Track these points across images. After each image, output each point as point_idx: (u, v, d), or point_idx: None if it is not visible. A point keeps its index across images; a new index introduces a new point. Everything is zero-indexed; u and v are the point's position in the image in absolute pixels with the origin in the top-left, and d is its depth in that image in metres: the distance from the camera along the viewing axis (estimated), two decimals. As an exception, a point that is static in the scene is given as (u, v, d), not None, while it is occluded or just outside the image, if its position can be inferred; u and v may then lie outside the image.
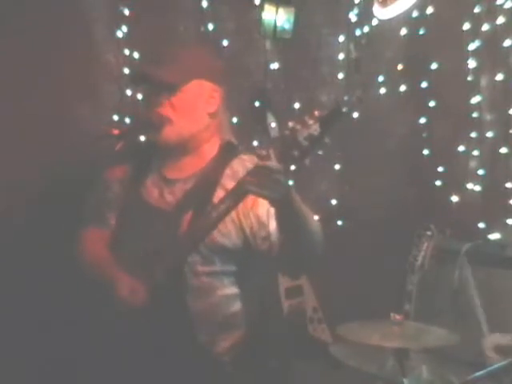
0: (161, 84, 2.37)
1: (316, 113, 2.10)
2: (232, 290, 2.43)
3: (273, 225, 2.34)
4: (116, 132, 2.37)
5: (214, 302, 2.39)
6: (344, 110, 2.09)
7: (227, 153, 2.49)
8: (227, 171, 2.44)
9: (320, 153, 2.13)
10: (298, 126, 2.09)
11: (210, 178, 2.42)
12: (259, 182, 2.10)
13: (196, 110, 2.44)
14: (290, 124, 2.11)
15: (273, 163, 2.09)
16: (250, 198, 2.30)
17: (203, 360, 2.36)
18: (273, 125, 3.68)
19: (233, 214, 2.34)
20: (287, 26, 3.58)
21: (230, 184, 2.38)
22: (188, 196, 2.42)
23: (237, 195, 2.24)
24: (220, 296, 2.40)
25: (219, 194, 2.38)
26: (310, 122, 2.08)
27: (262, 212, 2.36)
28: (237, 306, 2.43)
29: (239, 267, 2.44)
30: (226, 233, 2.36)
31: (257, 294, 2.50)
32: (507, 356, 2.56)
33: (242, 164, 2.45)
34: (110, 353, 2.32)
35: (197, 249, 2.34)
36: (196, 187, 2.42)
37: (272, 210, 2.30)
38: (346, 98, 3.75)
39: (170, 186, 2.46)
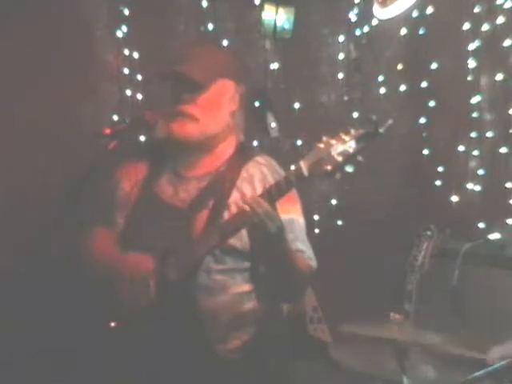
0: (189, 82, 2.38)
1: (352, 130, 2.10)
2: (245, 287, 2.42)
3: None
4: (108, 131, 2.36)
5: (226, 301, 2.38)
6: (381, 130, 2.08)
7: (243, 154, 2.49)
8: (243, 173, 2.43)
9: (351, 170, 2.12)
10: (333, 141, 2.09)
11: (225, 179, 2.42)
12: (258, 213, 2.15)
13: (220, 108, 2.44)
14: (325, 138, 2.11)
15: (266, 205, 2.15)
16: None
17: (214, 358, 2.35)
18: (273, 125, 3.69)
19: None
20: (287, 25, 3.58)
21: (245, 187, 2.39)
22: (202, 194, 2.41)
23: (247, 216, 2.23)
24: (232, 294, 2.39)
25: (234, 196, 2.38)
26: (346, 138, 2.09)
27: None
28: (249, 303, 2.43)
29: (252, 264, 2.43)
30: (238, 235, 2.34)
31: (269, 292, 2.49)
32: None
33: (258, 168, 2.45)
34: (121, 350, 2.32)
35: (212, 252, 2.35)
36: (211, 186, 2.42)
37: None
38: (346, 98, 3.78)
39: (185, 183, 2.45)
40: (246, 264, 2.41)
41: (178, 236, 2.33)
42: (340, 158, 2.08)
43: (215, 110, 2.42)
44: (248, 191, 2.38)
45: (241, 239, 2.35)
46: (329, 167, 2.09)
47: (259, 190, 2.35)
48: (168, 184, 2.46)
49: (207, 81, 2.39)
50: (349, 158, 2.08)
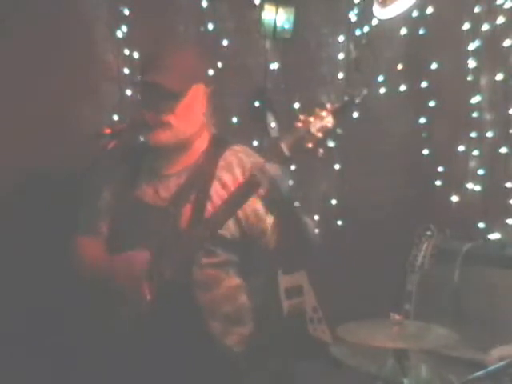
0: (166, 92, 2.38)
1: (328, 105, 2.14)
2: (237, 281, 2.44)
3: (269, 220, 2.35)
4: (108, 131, 2.36)
5: (221, 294, 2.40)
6: (357, 101, 2.11)
7: (218, 145, 2.51)
8: (221, 163, 2.45)
9: (331, 145, 2.15)
10: (311, 118, 2.12)
11: (204, 170, 2.44)
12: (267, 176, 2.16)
13: (194, 112, 2.46)
14: (302, 116, 2.14)
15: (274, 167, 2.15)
16: None
17: (215, 353, 2.36)
18: (273, 125, 3.69)
19: None
20: (287, 25, 3.59)
21: (225, 176, 2.41)
22: (183, 189, 2.43)
23: (250, 187, 2.24)
24: (227, 287, 2.41)
25: (215, 185, 2.40)
26: (323, 113, 2.12)
27: (260, 206, 2.36)
28: (244, 297, 2.45)
29: (241, 257, 2.45)
30: (226, 226, 2.35)
31: (261, 287, 2.50)
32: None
33: (235, 155, 2.47)
34: (122, 350, 2.33)
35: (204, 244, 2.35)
36: (190, 180, 2.43)
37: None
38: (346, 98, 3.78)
39: (164, 181, 2.47)
40: (236, 257, 2.43)
41: (166, 234, 2.33)
42: (320, 134, 2.11)
43: (190, 115, 2.44)
44: (228, 179, 2.40)
45: (229, 229, 2.37)
46: (310, 144, 2.12)
47: (239, 176, 2.38)
48: (148, 186, 2.48)
49: (183, 89, 2.40)
50: (328, 133, 2.12)
